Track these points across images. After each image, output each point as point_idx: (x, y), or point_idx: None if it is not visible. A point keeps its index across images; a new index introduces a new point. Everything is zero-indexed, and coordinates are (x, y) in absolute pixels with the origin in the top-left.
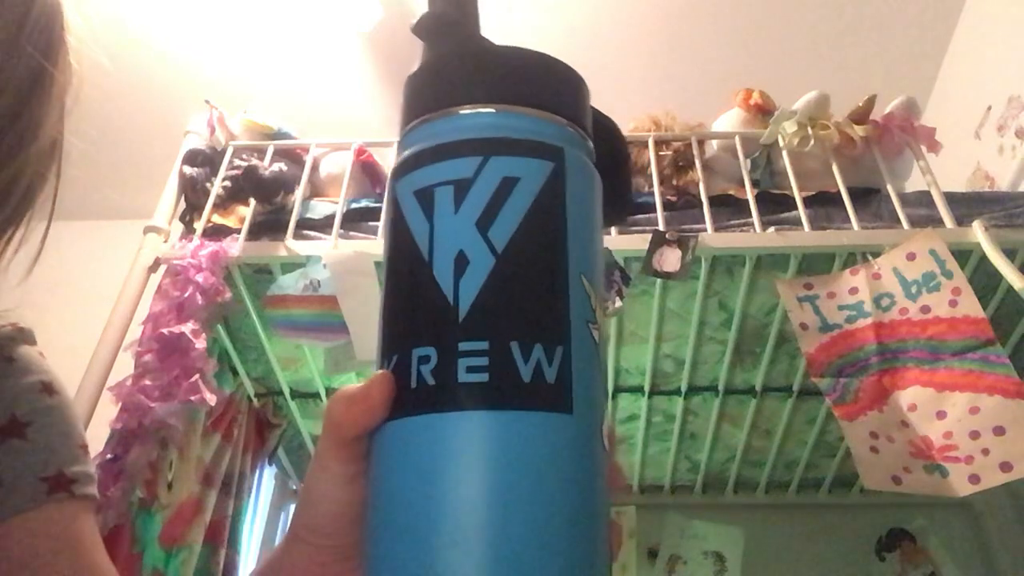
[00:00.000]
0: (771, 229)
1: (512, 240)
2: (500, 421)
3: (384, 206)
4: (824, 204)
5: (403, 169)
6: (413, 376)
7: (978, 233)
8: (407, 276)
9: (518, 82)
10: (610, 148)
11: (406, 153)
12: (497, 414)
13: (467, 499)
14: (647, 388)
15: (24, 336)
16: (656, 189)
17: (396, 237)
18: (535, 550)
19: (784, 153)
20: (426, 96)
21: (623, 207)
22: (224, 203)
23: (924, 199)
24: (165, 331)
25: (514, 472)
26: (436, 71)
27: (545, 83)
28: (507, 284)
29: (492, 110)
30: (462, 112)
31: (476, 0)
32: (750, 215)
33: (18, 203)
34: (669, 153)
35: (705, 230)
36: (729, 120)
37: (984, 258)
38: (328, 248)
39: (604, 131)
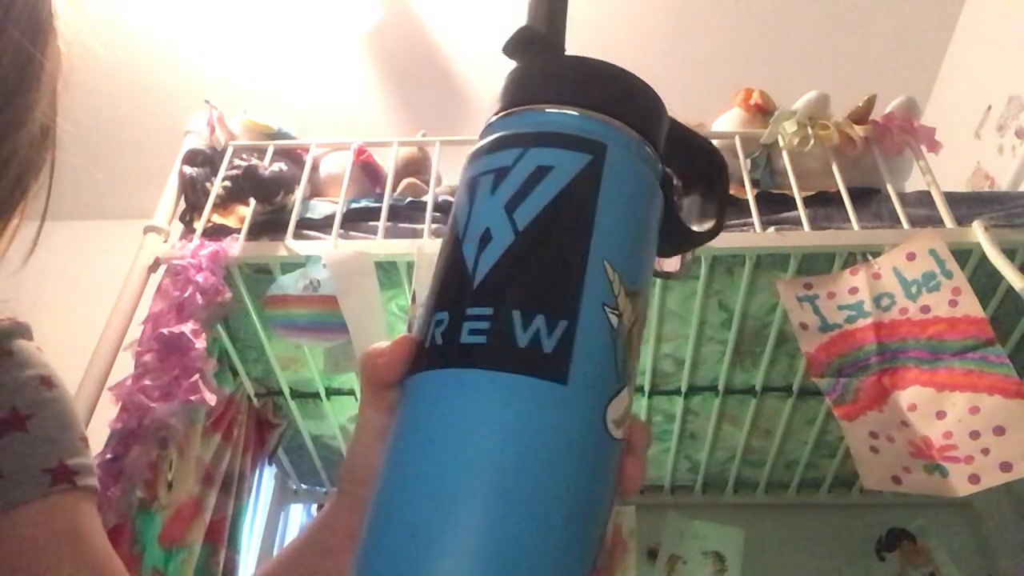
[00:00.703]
0: (771, 229)
1: (534, 220)
2: (489, 380)
3: None
4: (824, 204)
5: (464, 167)
6: (428, 337)
7: (978, 233)
8: (445, 253)
9: (572, 84)
10: (699, 166)
11: (469, 154)
12: (488, 373)
13: (450, 450)
14: (647, 388)
15: (21, 330)
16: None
17: (448, 223)
18: (502, 510)
19: (784, 153)
20: (494, 104)
21: (715, 226)
22: (224, 203)
23: (924, 199)
24: (165, 331)
25: (494, 429)
26: (507, 81)
27: (599, 86)
28: (520, 258)
29: (541, 109)
30: (515, 112)
31: (564, 17)
32: (750, 215)
33: (10, 191)
34: None
35: None
36: (729, 120)
37: (984, 258)
38: (328, 248)
39: (696, 150)
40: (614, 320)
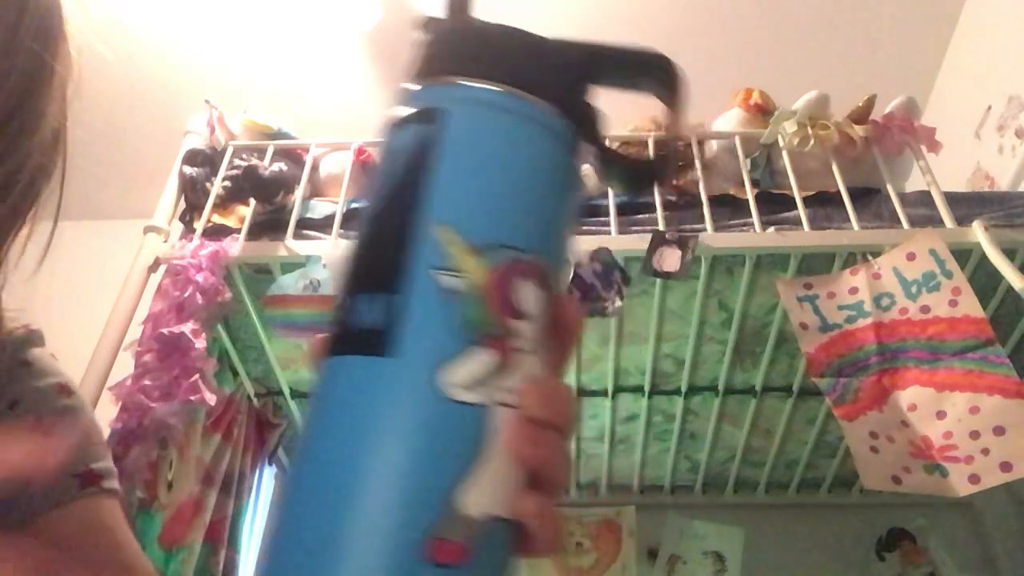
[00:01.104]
0: (771, 229)
1: (373, 203)
2: (334, 365)
3: None
4: (824, 204)
5: None
6: None
7: (978, 233)
8: None
9: (418, 60)
10: (650, 77)
11: None
12: (332, 359)
13: (305, 437)
14: (647, 388)
15: (34, 338)
16: (656, 189)
17: None
18: (327, 488)
19: (784, 153)
20: None
21: (670, 142)
22: (224, 203)
23: (924, 199)
24: (165, 331)
25: (330, 411)
26: None
27: (439, 51)
28: (359, 243)
29: (395, 97)
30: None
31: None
32: (750, 215)
33: (21, 197)
34: None
35: (705, 230)
36: (729, 120)
37: (984, 258)
38: (328, 248)
39: (635, 63)
40: (450, 282)
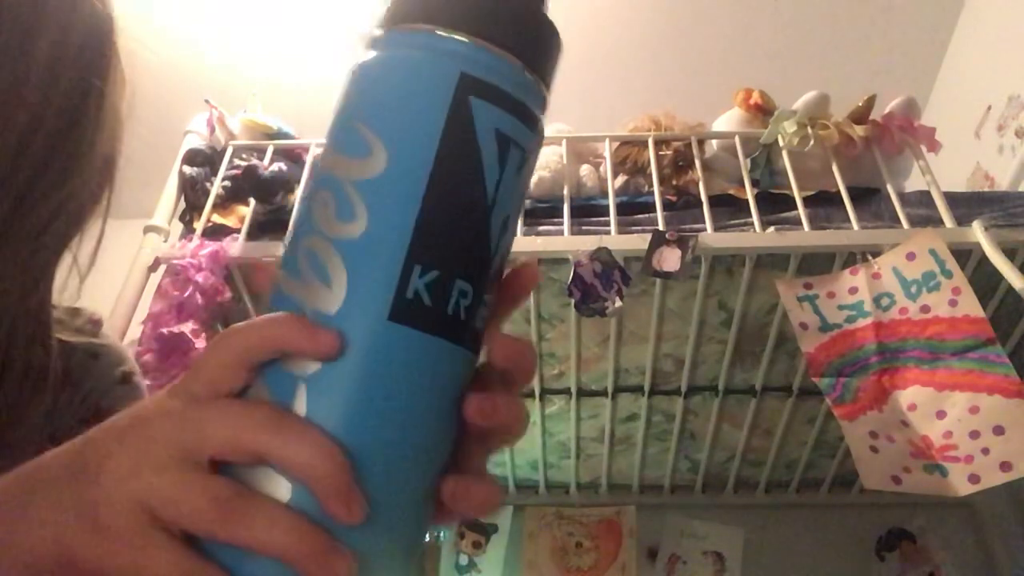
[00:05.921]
0: (771, 229)
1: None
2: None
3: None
4: (824, 204)
5: None
6: None
7: (978, 233)
8: None
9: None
10: None
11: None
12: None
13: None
14: (647, 388)
15: (100, 328)
16: (656, 189)
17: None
18: None
19: (784, 153)
20: None
21: None
22: (224, 203)
23: (924, 199)
24: (165, 331)
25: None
26: None
27: None
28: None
29: None
30: None
31: None
32: (750, 215)
33: (68, 227)
34: (669, 153)
35: (705, 230)
36: (729, 120)
37: (984, 258)
38: None
39: None
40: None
